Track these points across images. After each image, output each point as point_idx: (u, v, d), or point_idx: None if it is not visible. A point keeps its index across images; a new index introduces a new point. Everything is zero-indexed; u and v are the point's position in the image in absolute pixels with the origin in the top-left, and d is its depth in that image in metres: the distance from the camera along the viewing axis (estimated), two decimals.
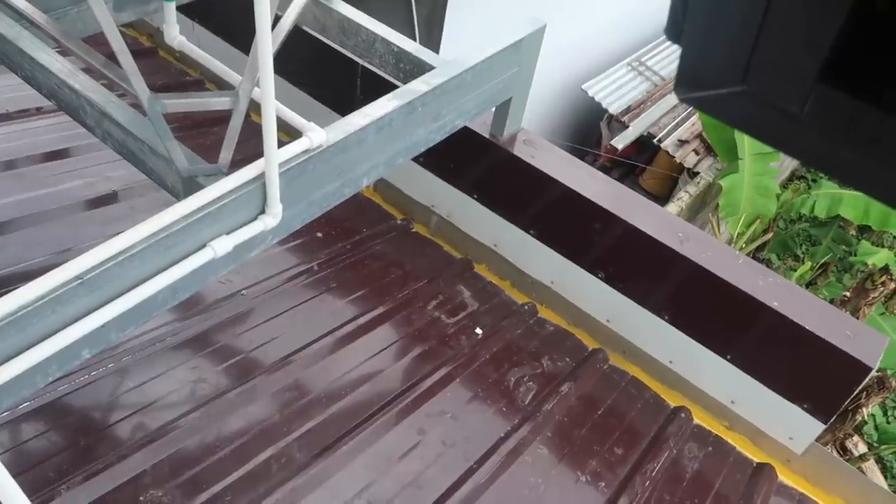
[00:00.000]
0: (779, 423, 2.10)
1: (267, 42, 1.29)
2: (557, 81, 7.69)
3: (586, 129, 8.74)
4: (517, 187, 2.38)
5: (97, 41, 1.68)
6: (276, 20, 1.53)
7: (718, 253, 2.13)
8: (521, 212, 2.40)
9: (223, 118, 1.50)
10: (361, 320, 2.19)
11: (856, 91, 0.44)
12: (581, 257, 2.32)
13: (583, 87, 7.84)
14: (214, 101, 1.48)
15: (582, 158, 5.36)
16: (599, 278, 2.28)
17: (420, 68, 1.96)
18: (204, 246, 1.41)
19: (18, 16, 1.71)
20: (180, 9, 2.07)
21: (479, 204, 2.47)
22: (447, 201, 2.55)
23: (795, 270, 7.21)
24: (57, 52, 1.74)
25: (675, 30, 0.50)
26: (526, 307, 2.42)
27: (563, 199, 2.26)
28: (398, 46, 2.00)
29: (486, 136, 2.34)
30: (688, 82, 0.50)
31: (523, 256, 2.44)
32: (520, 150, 2.32)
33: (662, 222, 2.21)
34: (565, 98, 8.14)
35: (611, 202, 2.21)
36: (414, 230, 2.64)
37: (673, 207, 7.07)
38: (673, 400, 2.24)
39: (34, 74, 1.74)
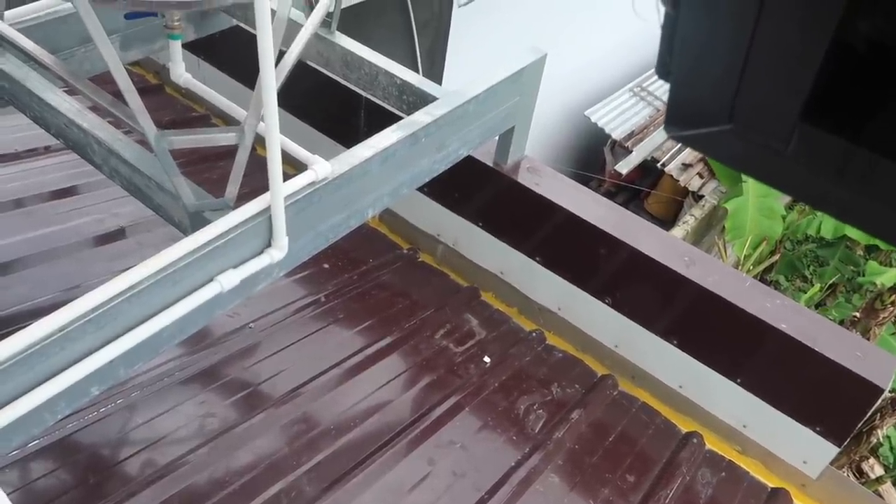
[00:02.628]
0: (792, 447, 2.08)
1: (271, 77, 1.31)
2: (560, 108, 7.75)
3: (590, 155, 8.79)
4: (522, 214, 2.39)
5: (104, 79, 1.71)
6: (281, 55, 1.55)
7: (725, 276, 2.12)
8: (527, 239, 2.40)
9: (229, 152, 1.52)
10: (369, 351, 2.19)
11: (837, 128, 0.45)
12: (587, 283, 2.31)
13: (585, 113, 7.89)
14: (220, 137, 1.50)
15: (586, 184, 5.39)
16: (606, 304, 2.28)
17: (423, 99, 1.98)
18: (211, 280, 1.41)
19: (27, 57, 1.74)
20: (186, 46, 2.10)
21: (484, 232, 2.47)
22: (453, 230, 2.56)
23: (804, 292, 7.17)
24: (65, 91, 1.77)
25: (664, 69, 0.51)
26: (534, 334, 2.42)
27: (568, 224, 2.27)
28: (401, 78, 2.02)
29: (490, 164, 2.35)
30: (676, 121, 0.52)
31: (530, 283, 2.44)
32: (524, 178, 2.33)
33: (668, 246, 2.21)
34: (568, 124, 8.19)
35: (615, 227, 2.22)
36: (420, 259, 2.65)
37: (678, 231, 7.07)
38: (684, 425, 2.22)
39: (42, 114, 1.76)
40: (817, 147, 0.44)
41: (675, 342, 2.17)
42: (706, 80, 0.47)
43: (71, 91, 1.75)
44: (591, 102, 8.00)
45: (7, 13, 1.79)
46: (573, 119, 8.11)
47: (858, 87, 0.43)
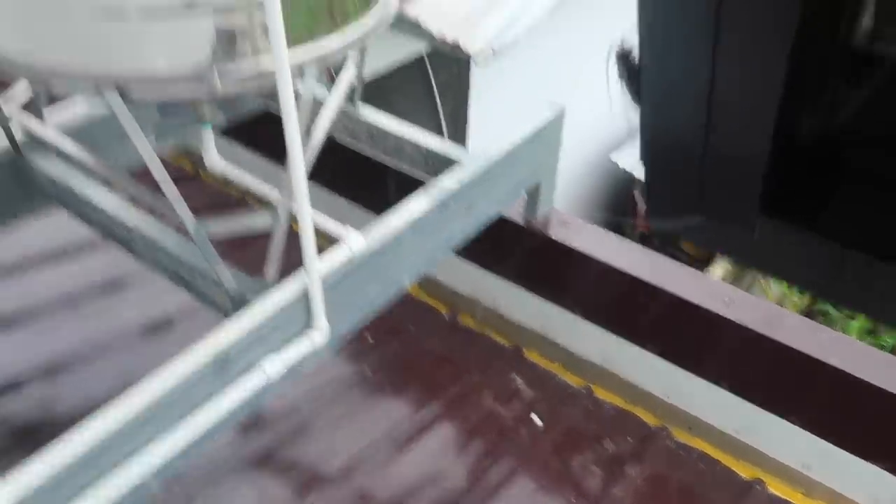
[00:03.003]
0: (860, 487, 2.00)
1: (299, 158, 1.35)
2: (585, 155, 7.78)
3: (620, 199, 8.76)
4: (558, 268, 2.39)
5: (144, 171, 1.77)
6: (308, 133, 1.60)
7: (766, 313, 2.08)
8: (565, 292, 2.39)
9: (268, 232, 1.55)
10: (418, 420, 2.18)
11: (793, 219, 0.46)
12: (630, 333, 2.29)
13: (611, 157, 7.90)
14: (257, 221, 1.54)
15: (619, 229, 5.37)
16: (652, 352, 2.25)
17: (449, 164, 2.01)
18: (256, 366, 1.43)
19: (69, 158, 1.82)
20: (218, 131, 2.18)
21: (522, 289, 2.47)
22: (490, 290, 2.56)
23: (853, 318, 6.97)
24: (105, 188, 1.84)
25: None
26: (582, 389, 2.38)
27: (604, 275, 2.26)
28: (426, 146, 2.06)
29: (521, 221, 2.37)
30: (656, 214, 0.53)
31: (572, 338, 2.42)
32: (555, 232, 2.34)
33: (705, 288, 2.18)
34: (595, 170, 8.21)
35: (650, 273, 2.20)
36: (461, 323, 2.65)
37: (718, 269, 6.96)
38: (745, 472, 2.15)
39: (87, 212, 1.83)
40: (781, 235, 0.45)
41: (725, 386, 2.13)
42: (674, 176, 0.48)
43: (111, 186, 1.82)
44: (615, 146, 8.01)
45: (49, 116, 1.88)
46: (599, 164, 8.12)
47: (808, 180, 0.44)
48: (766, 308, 2.20)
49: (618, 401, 2.36)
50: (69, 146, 1.79)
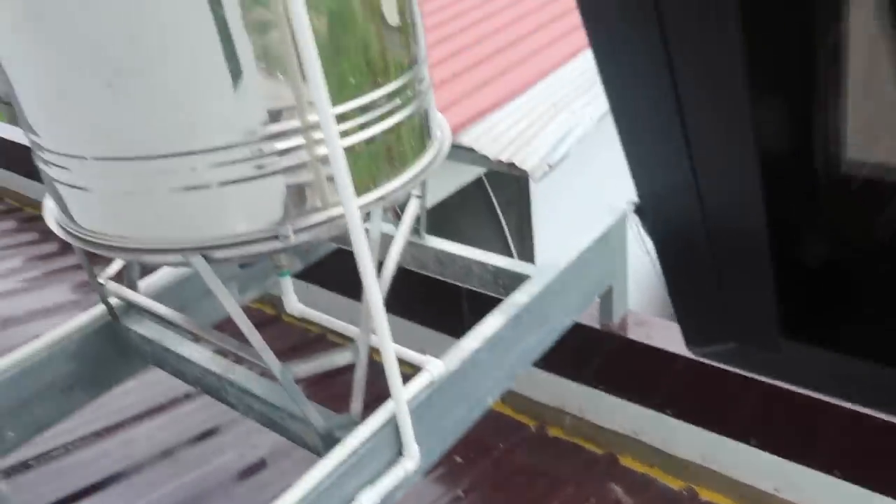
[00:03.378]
0: None
1: (376, 293, 1.41)
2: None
3: None
4: (642, 369, 2.35)
5: (229, 321, 1.87)
6: (380, 266, 1.67)
7: None
8: (654, 393, 2.34)
9: (349, 365, 1.60)
10: None
11: (813, 339, 0.47)
12: (727, 427, 2.20)
13: None
14: (338, 358, 1.59)
15: None
16: (753, 446, 2.14)
17: (518, 280, 2.05)
18: (352, 501, 1.44)
19: (161, 319, 1.94)
20: (295, 275, 2.29)
21: (608, 395, 2.43)
22: (576, 399, 2.52)
23: None
24: (194, 343, 1.94)
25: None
26: (684, 492, 2.27)
27: (691, 371, 2.20)
28: (493, 265, 2.11)
29: (597, 326, 2.36)
30: (692, 342, 0.56)
31: (667, 439, 2.34)
32: (634, 333, 2.32)
33: None
34: None
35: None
36: (550, 434, 2.60)
37: None
38: None
39: (180, 367, 1.93)
40: (805, 355, 0.46)
41: (838, 474, 2.00)
42: (697, 308, 0.51)
43: (200, 340, 1.92)
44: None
45: (141, 283, 2.02)
46: None
47: (819, 301, 0.45)
48: None
49: (725, 500, 2.24)
50: (159, 308, 1.91)
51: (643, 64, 0.48)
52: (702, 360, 2.16)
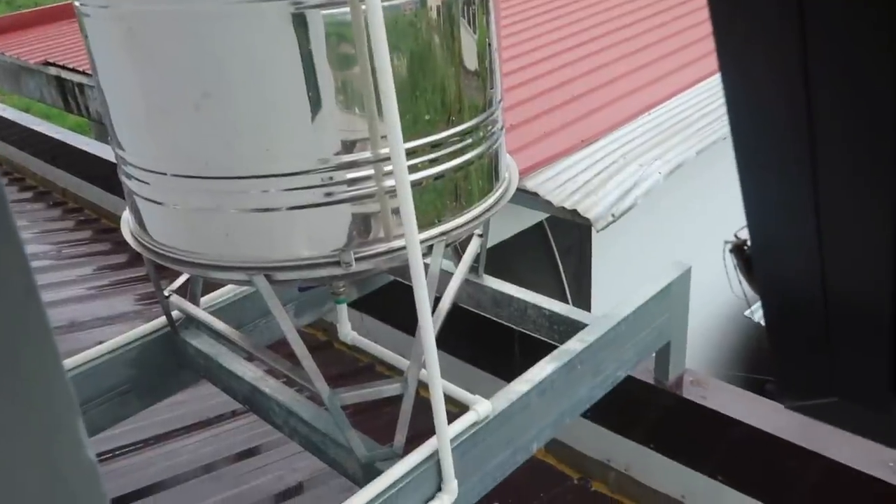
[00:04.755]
0: None
1: (429, 330, 1.41)
2: (716, 312, 7.53)
3: (758, 357, 8.31)
4: (695, 432, 2.27)
5: (282, 342, 1.89)
6: (436, 302, 1.68)
7: None
8: (705, 457, 2.26)
9: (394, 398, 1.60)
10: None
11: None
12: (782, 501, 2.11)
13: (745, 314, 7.60)
14: (386, 389, 1.59)
15: (761, 388, 5.07)
16: None
17: (573, 327, 2.03)
18: None
19: (217, 334, 1.98)
20: (350, 304, 2.31)
21: (657, 454, 2.36)
22: (623, 454, 2.46)
23: None
24: (248, 360, 1.97)
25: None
26: None
27: (748, 438, 2.12)
28: (549, 310, 2.09)
29: (651, 382, 2.30)
30: (787, 394, 0.54)
31: None
32: (689, 393, 2.25)
33: (867, 452, 2.00)
34: (729, 327, 7.89)
35: (802, 436, 2.05)
36: (593, 489, 2.53)
37: None
38: None
39: (230, 383, 1.96)
40: None
41: None
42: (801, 358, 0.49)
43: (252, 358, 1.95)
44: (751, 301, 7.72)
45: (203, 299, 2.07)
46: (734, 321, 7.82)
47: None
48: None
49: None
50: (218, 324, 1.95)
51: (781, 109, 0.48)
52: (759, 427, 2.09)
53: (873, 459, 1.95)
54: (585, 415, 2.29)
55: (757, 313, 7.60)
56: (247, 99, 1.35)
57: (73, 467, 0.44)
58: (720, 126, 4.67)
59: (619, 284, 4.89)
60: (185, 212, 1.51)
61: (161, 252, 1.60)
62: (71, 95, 6.25)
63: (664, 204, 5.17)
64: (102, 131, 1.68)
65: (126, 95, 1.50)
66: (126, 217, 1.75)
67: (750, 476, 2.17)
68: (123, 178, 1.64)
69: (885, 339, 0.43)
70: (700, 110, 4.94)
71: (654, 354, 2.24)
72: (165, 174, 1.48)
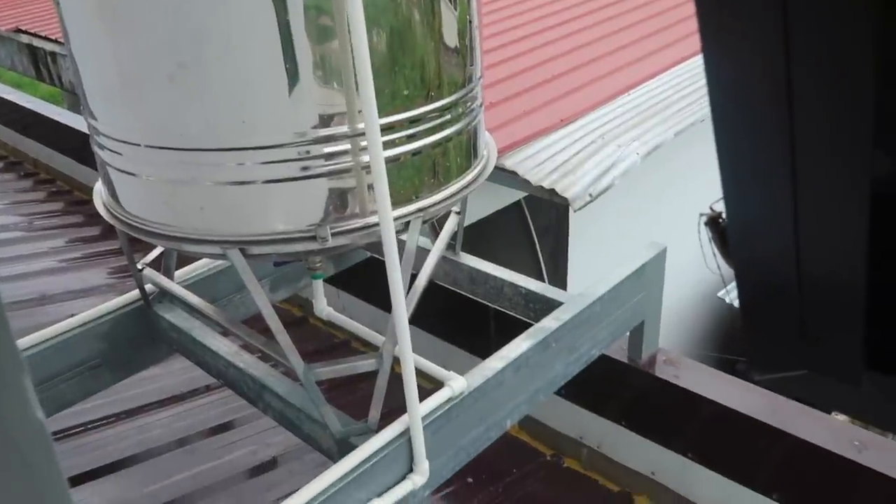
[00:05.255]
0: None
1: (402, 306, 1.40)
2: (690, 292, 7.62)
3: (730, 337, 8.43)
4: (666, 410, 2.31)
5: (257, 317, 1.88)
6: (412, 279, 1.68)
7: None
8: (676, 435, 2.29)
9: (370, 374, 1.60)
10: None
11: None
12: (749, 478, 2.15)
13: (718, 295, 7.70)
14: (361, 365, 1.59)
15: (733, 368, 5.15)
16: (774, 500, 2.09)
17: (549, 305, 2.04)
18: None
19: (191, 308, 1.96)
20: (326, 280, 2.30)
21: (629, 431, 2.39)
22: (596, 432, 2.49)
23: None
24: (222, 335, 1.96)
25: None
26: None
27: (718, 417, 2.16)
28: (525, 288, 2.10)
29: (625, 360, 2.33)
30: (759, 367, 0.55)
31: (686, 483, 2.30)
32: (661, 371, 2.28)
33: (833, 431, 2.04)
34: (702, 308, 7.99)
35: (770, 415, 2.09)
36: (565, 465, 2.56)
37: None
38: None
39: (204, 358, 1.94)
40: (889, 389, 0.45)
41: None
42: (773, 331, 0.50)
43: (226, 333, 1.94)
44: (723, 283, 7.82)
45: (177, 273, 2.05)
46: (707, 301, 7.92)
47: None
48: None
49: None
50: (192, 298, 1.94)
51: (762, 93, 0.48)
52: (730, 405, 2.12)
53: (839, 438, 1.99)
54: (559, 392, 2.31)
55: (730, 294, 7.70)
56: (223, 70, 1.33)
57: (20, 427, 0.43)
58: (698, 108, 4.70)
59: (596, 264, 4.93)
60: (158, 183, 1.49)
61: (134, 224, 1.58)
62: (43, 64, 6.12)
63: (641, 185, 5.19)
64: (75, 101, 1.65)
65: (99, 64, 1.46)
66: (99, 188, 1.73)
67: (719, 454, 2.21)
68: (96, 149, 1.61)
69: (859, 315, 0.44)
70: (679, 92, 4.96)
71: (628, 333, 2.27)
72: (139, 145, 1.45)
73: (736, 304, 7.73)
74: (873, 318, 0.45)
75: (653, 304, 2.23)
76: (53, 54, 5.94)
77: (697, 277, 7.67)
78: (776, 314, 0.49)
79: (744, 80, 0.51)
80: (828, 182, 0.46)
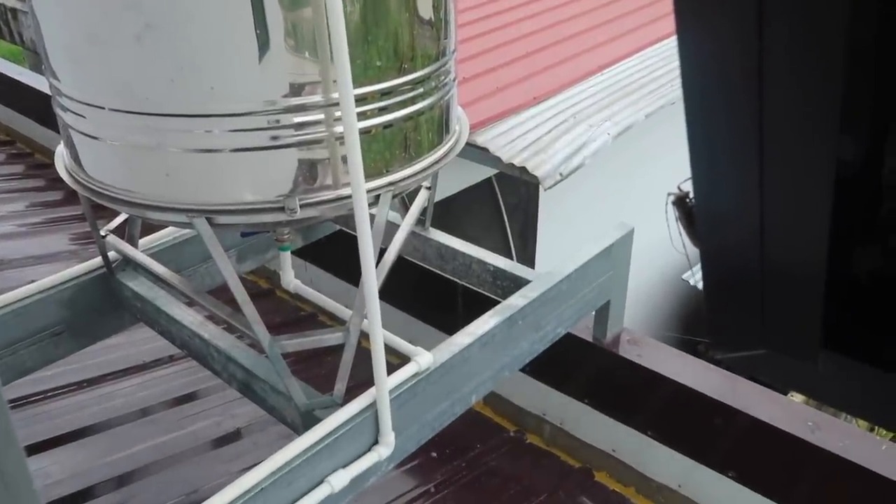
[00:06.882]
0: None
1: (372, 279, 1.40)
2: (656, 274, 7.71)
3: (693, 319, 8.57)
4: (628, 388, 2.34)
5: (223, 289, 1.86)
6: (381, 254, 1.67)
7: (856, 440, 1.98)
8: (637, 413, 2.33)
9: (336, 347, 1.60)
10: None
11: (855, 354, 0.47)
12: (707, 456, 2.20)
13: (683, 277, 7.80)
14: (328, 338, 1.59)
15: (695, 349, 5.25)
16: (730, 478, 2.14)
17: (517, 283, 2.04)
18: (322, 482, 1.44)
19: (156, 277, 1.93)
20: (294, 252, 2.28)
21: (591, 409, 2.42)
22: (559, 409, 2.52)
23: None
24: (187, 305, 1.93)
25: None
26: None
27: (678, 396, 2.20)
28: (494, 266, 2.11)
29: (590, 339, 2.35)
30: (719, 346, 0.56)
31: (645, 460, 2.34)
32: (625, 351, 2.31)
33: (789, 412, 2.09)
34: (667, 289, 8.10)
35: (729, 395, 2.13)
36: (528, 441, 2.59)
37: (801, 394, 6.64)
38: None
39: (169, 328, 1.92)
40: (844, 369, 0.46)
41: None
42: (734, 309, 0.51)
43: (192, 304, 1.91)
44: (688, 266, 7.92)
45: (141, 241, 2.02)
46: (671, 284, 8.02)
47: (867, 316, 0.45)
48: (855, 434, 2.08)
49: None
50: (156, 267, 1.91)
51: (734, 75, 0.48)
52: (690, 385, 2.16)
53: (794, 418, 2.04)
54: (524, 369, 2.33)
55: (694, 276, 7.81)
56: (191, 33, 1.29)
57: None
58: (670, 90, 4.72)
59: (564, 243, 4.96)
60: (123, 148, 1.45)
61: (97, 190, 1.54)
62: (3, 20, 5.92)
63: (611, 165, 5.22)
64: (37, 61, 1.60)
65: (62, 22, 1.42)
66: (60, 151, 1.68)
67: (678, 432, 2.25)
68: (58, 111, 1.56)
69: (818, 296, 0.45)
70: (650, 73, 4.98)
71: (593, 313, 2.29)
72: (103, 108, 1.41)
73: (700, 286, 7.84)
74: (831, 299, 0.46)
75: (619, 283, 2.25)
76: (14, 11, 5.75)
77: (663, 259, 7.76)
78: (737, 295, 0.50)
79: (717, 61, 0.52)
80: (794, 165, 0.47)
